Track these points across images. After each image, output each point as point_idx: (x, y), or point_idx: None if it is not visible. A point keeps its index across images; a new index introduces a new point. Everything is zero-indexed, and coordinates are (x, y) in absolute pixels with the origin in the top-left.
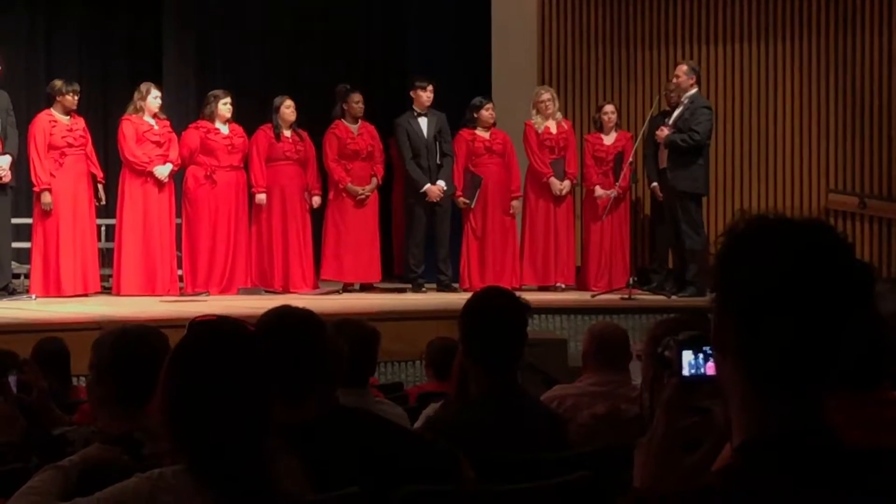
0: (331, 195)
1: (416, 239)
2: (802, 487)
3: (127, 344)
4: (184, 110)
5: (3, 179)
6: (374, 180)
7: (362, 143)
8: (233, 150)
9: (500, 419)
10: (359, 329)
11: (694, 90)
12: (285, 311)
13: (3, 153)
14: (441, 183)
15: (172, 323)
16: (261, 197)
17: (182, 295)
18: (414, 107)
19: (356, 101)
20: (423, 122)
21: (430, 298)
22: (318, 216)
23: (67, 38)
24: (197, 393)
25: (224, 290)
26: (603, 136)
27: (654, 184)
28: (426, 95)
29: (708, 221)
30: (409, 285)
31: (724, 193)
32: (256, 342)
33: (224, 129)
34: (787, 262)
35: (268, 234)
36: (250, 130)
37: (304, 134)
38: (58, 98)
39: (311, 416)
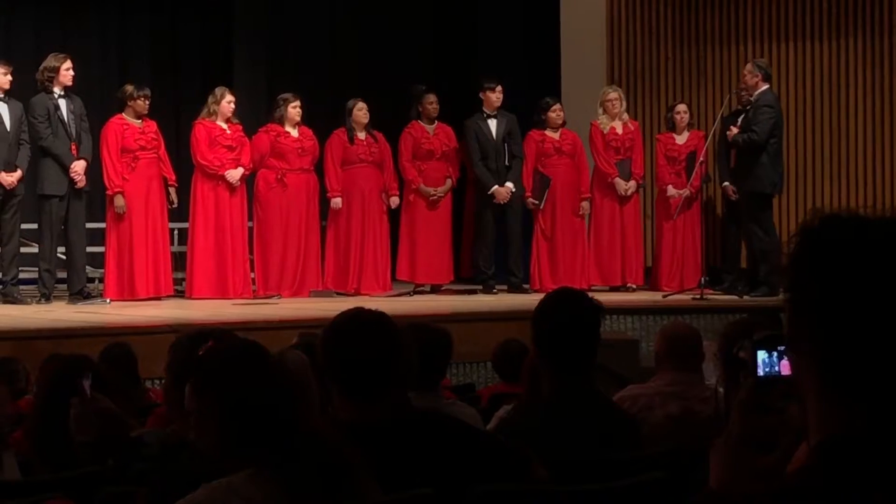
0: (405, 196)
1: (486, 240)
2: (880, 488)
3: (189, 347)
4: (254, 114)
5: (79, 184)
6: (449, 181)
7: (437, 142)
8: (303, 153)
9: (574, 420)
10: (430, 331)
11: (763, 87)
12: (358, 313)
13: (78, 158)
14: (509, 184)
15: (245, 326)
16: (336, 201)
17: (254, 298)
18: (483, 108)
19: (430, 102)
20: (492, 123)
21: (500, 300)
22: (396, 217)
23: (139, 44)
24: (236, 405)
25: (296, 293)
26: (675, 135)
27: (726, 183)
28: (495, 96)
29: (780, 220)
30: (480, 286)
31: (796, 192)
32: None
33: (294, 133)
34: (862, 260)
35: (346, 237)
36: (321, 133)
37: (380, 135)
38: (129, 103)
39: (385, 418)
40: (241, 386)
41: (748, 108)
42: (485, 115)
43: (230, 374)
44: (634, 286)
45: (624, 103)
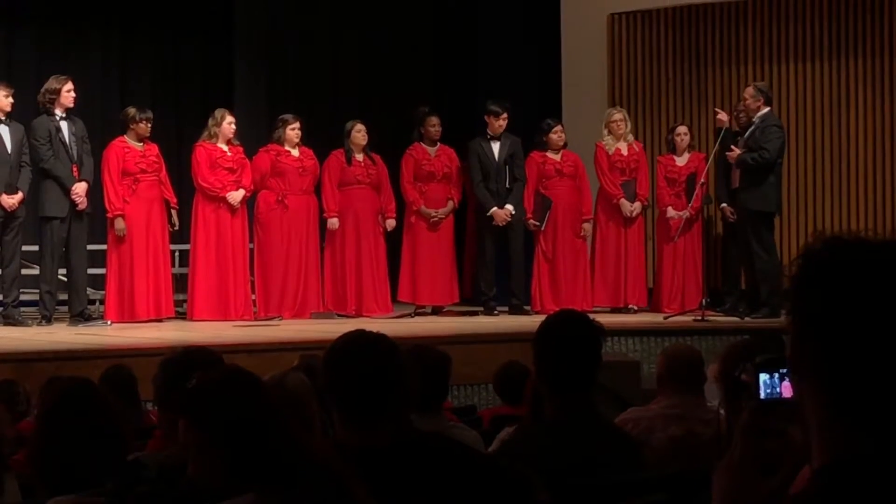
0: (407, 217)
1: (487, 262)
2: None
3: (189, 368)
4: (255, 136)
5: (80, 206)
6: (451, 203)
7: (438, 164)
8: (304, 173)
9: (576, 442)
10: (430, 354)
11: (765, 110)
12: (359, 335)
13: (80, 180)
14: (509, 206)
15: (246, 348)
16: (332, 221)
17: (255, 319)
18: (487, 130)
19: (433, 125)
20: (494, 145)
21: (502, 321)
22: (392, 239)
23: (141, 66)
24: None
25: (297, 315)
26: (675, 157)
27: (724, 204)
28: (498, 123)
29: (781, 242)
30: (482, 308)
31: (797, 213)
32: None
33: (294, 152)
34: (865, 282)
35: (341, 258)
36: (322, 154)
37: (377, 157)
38: (131, 125)
39: (386, 441)
40: (233, 415)
41: (754, 128)
42: (488, 137)
43: (221, 404)
44: (636, 307)
45: (629, 124)
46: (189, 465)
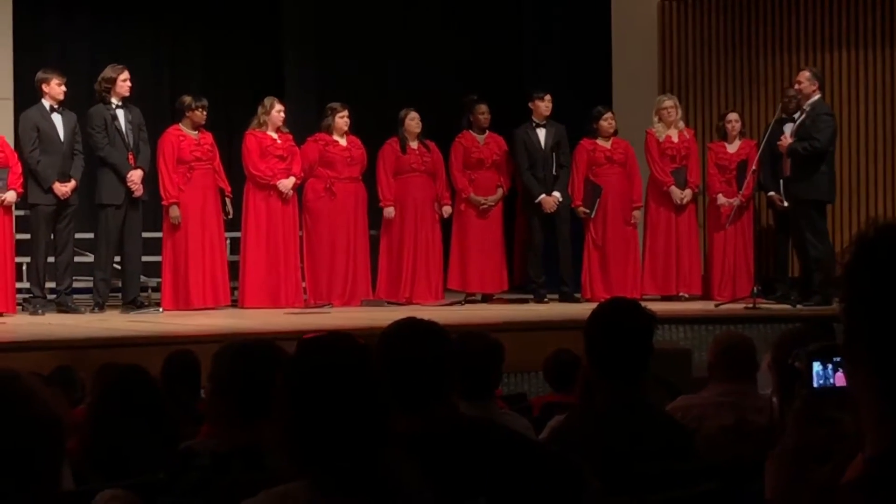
0: (456, 205)
1: (535, 249)
2: None
3: (244, 358)
4: (304, 123)
5: (136, 193)
6: (500, 191)
7: (487, 152)
8: (352, 162)
9: (627, 430)
10: (483, 341)
11: (816, 97)
12: (410, 322)
13: (135, 167)
14: (556, 194)
15: (297, 335)
16: (388, 210)
17: (306, 307)
18: (532, 118)
19: (482, 112)
20: (540, 132)
21: (552, 309)
22: (447, 226)
23: (191, 55)
24: (313, 409)
25: (347, 302)
26: (726, 144)
27: (772, 192)
28: (544, 105)
29: (833, 230)
30: (531, 296)
31: (850, 202)
32: (368, 354)
33: (342, 142)
34: None
35: (398, 246)
36: (370, 142)
37: (432, 144)
38: (187, 113)
39: (437, 427)
40: (340, 391)
41: (804, 117)
42: (534, 125)
43: (332, 377)
44: (687, 295)
45: (680, 111)
46: (273, 450)
